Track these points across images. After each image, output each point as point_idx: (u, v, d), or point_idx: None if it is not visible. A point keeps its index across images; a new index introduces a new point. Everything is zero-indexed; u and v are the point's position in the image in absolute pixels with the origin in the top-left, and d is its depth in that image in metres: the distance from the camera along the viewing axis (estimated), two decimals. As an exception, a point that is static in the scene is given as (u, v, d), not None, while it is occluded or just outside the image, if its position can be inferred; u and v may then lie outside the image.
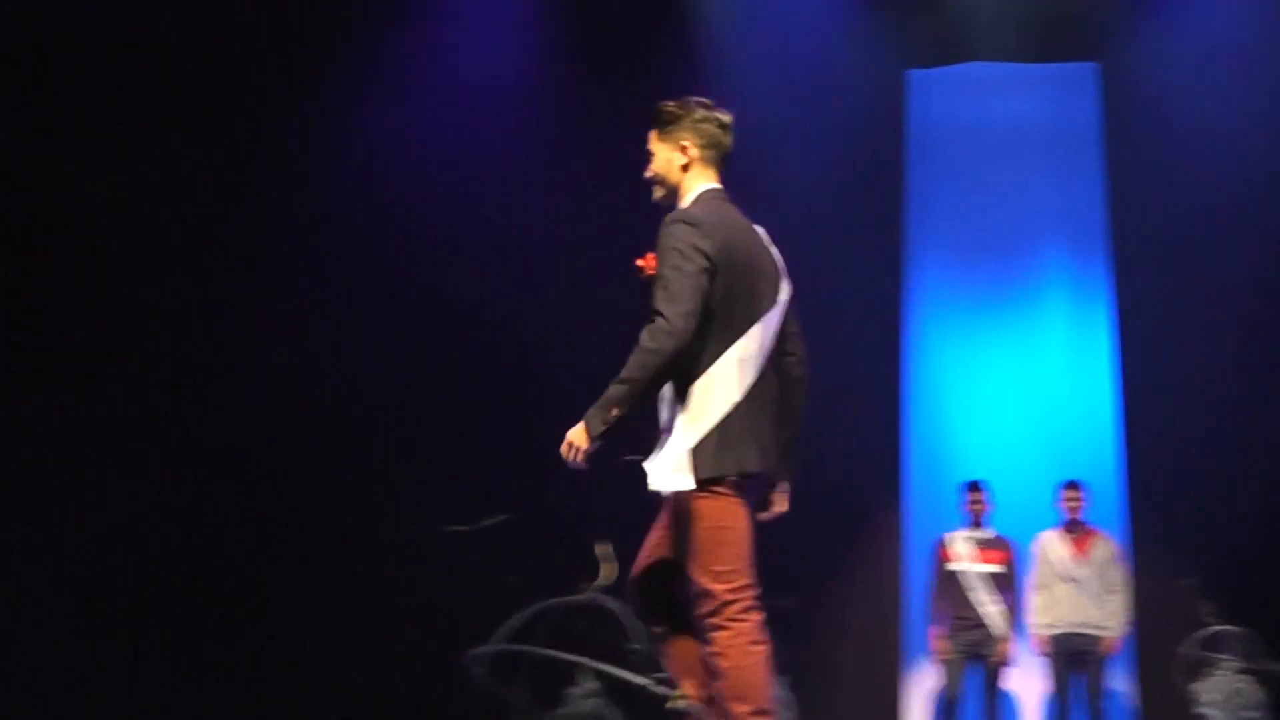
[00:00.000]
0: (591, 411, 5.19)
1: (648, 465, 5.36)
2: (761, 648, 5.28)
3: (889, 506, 10.79)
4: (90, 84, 9.39)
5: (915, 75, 11.23)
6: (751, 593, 5.32)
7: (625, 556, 8.41)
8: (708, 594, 5.27)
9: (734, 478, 5.29)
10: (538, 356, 9.80)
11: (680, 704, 5.44)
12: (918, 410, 11.02)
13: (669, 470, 5.31)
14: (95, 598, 9.36)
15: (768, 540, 9.73)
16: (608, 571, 8.17)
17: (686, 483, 5.26)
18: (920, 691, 10.51)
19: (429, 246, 10.17)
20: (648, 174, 5.66)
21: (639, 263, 5.51)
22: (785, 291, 5.52)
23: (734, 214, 5.54)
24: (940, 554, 10.12)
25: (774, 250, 5.56)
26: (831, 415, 10.06)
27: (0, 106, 9.26)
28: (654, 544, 5.50)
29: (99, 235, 9.58)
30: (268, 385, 9.75)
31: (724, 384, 5.34)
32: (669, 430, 5.35)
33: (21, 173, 9.42)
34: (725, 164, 5.64)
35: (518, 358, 9.96)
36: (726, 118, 5.62)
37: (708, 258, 5.31)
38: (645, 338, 5.21)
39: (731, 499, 5.31)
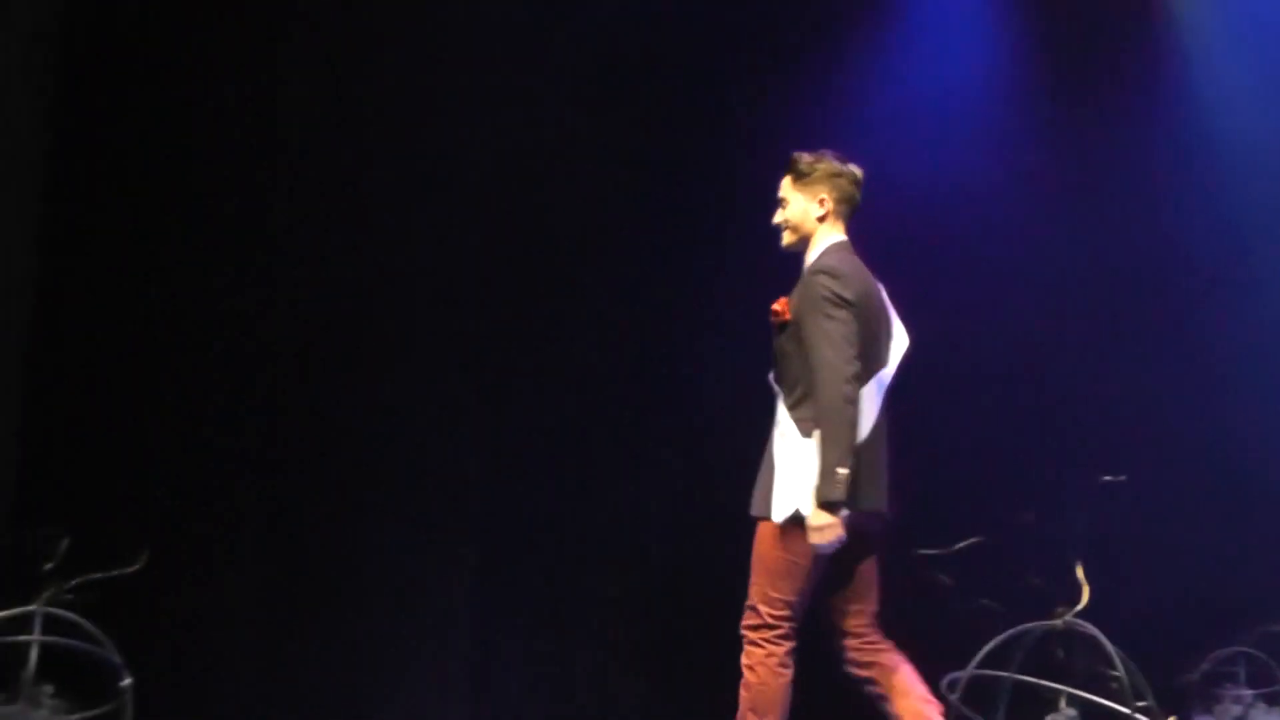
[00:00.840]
0: (818, 487, 5.57)
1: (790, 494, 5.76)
2: (789, 672, 5.83)
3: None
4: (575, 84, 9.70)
5: None
6: (793, 622, 5.85)
7: (1097, 580, 8.19)
8: (754, 611, 5.82)
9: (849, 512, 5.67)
10: (1009, 371, 9.55)
11: (1167, 732, 5.33)
12: None
13: (789, 499, 5.71)
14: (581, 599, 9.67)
15: (1266, 560, 9.22)
16: (1086, 595, 8.08)
17: (805, 511, 5.66)
18: None
19: (907, 251, 9.93)
20: (777, 220, 6.11)
21: (775, 307, 5.96)
22: (902, 346, 6.03)
23: (863, 267, 6.04)
24: None
25: (891, 307, 6.09)
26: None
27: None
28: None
29: (618, 234, 9.81)
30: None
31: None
32: (788, 464, 5.74)
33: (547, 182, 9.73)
34: (854, 218, 6.13)
35: (971, 370, 9.71)
36: (859, 173, 6.11)
37: (851, 304, 5.80)
38: (823, 390, 5.65)
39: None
